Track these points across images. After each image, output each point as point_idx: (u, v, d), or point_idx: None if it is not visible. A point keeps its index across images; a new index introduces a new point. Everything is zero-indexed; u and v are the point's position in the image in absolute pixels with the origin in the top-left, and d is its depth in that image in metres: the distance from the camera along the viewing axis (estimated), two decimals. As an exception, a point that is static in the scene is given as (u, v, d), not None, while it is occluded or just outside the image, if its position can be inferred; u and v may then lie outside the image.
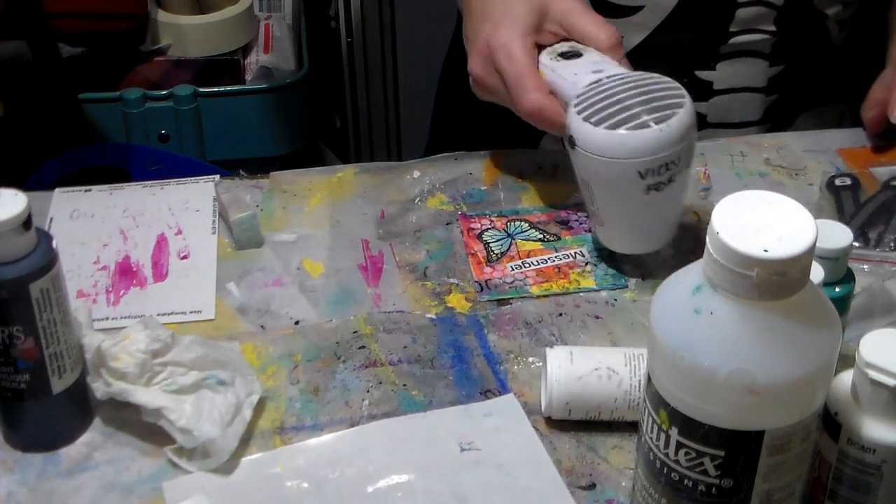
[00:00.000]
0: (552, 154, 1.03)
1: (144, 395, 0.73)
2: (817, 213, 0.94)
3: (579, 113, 0.83)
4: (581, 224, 0.95)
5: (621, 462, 0.74)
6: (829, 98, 1.16)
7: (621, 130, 0.81)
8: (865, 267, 0.89)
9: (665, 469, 0.61)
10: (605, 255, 0.91)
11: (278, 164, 1.57)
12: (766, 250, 0.54)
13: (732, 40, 1.06)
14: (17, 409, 0.74)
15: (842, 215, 0.94)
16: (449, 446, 0.75)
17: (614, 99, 0.83)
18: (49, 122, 1.47)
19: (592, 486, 0.73)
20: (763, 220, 0.56)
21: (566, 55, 0.89)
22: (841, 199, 0.96)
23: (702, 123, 1.09)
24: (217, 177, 0.99)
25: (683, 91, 0.84)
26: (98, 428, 0.76)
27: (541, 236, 0.93)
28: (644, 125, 0.81)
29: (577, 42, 0.91)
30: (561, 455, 0.74)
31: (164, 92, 1.56)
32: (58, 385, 0.73)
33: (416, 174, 1.00)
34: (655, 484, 0.62)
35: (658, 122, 0.81)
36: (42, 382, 0.72)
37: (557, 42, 0.91)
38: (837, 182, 0.97)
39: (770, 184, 0.99)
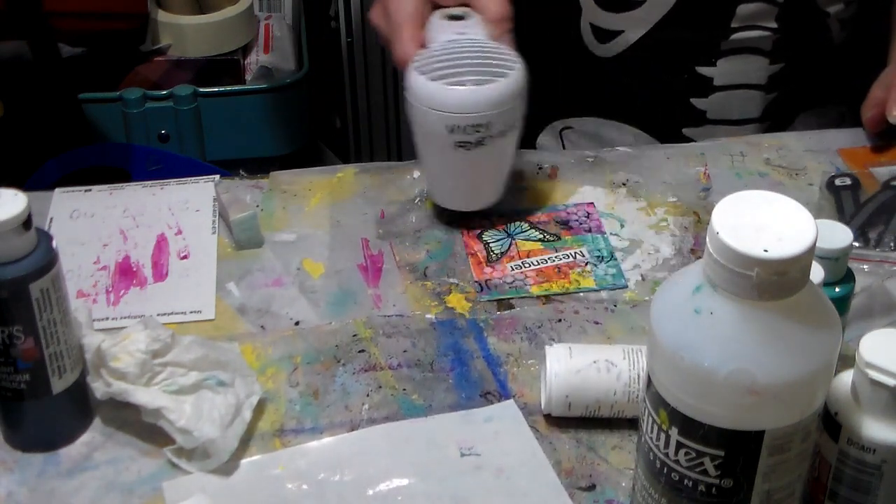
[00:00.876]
0: (552, 154, 1.03)
1: (144, 396, 0.73)
2: (817, 213, 0.94)
3: (415, 62, 0.88)
4: (581, 224, 0.95)
5: (621, 462, 0.74)
6: (830, 98, 1.16)
7: (438, 83, 0.86)
8: (865, 267, 0.89)
9: (665, 469, 0.61)
10: (605, 255, 0.91)
11: (278, 164, 1.57)
12: (766, 250, 0.54)
13: (733, 37, 1.06)
14: (17, 409, 0.74)
15: (842, 215, 0.94)
16: (449, 451, 0.75)
17: (451, 58, 0.88)
18: (49, 122, 1.47)
19: (592, 487, 0.73)
20: (763, 220, 0.56)
21: (453, 17, 0.93)
22: (841, 199, 0.96)
23: (701, 119, 1.10)
24: (217, 177, 0.99)
25: (518, 66, 0.88)
26: (98, 428, 0.76)
27: (541, 236, 0.93)
28: (460, 84, 0.86)
29: (472, 9, 0.93)
30: (561, 456, 0.74)
31: (164, 92, 1.56)
32: (58, 385, 0.73)
33: (416, 174, 1.00)
34: (655, 484, 0.62)
35: (475, 84, 0.86)
36: (42, 382, 0.72)
37: (458, 6, 0.94)
38: (837, 182, 0.97)
39: (770, 184, 0.99)
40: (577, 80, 1.12)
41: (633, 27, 1.06)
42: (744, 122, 1.11)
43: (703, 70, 1.08)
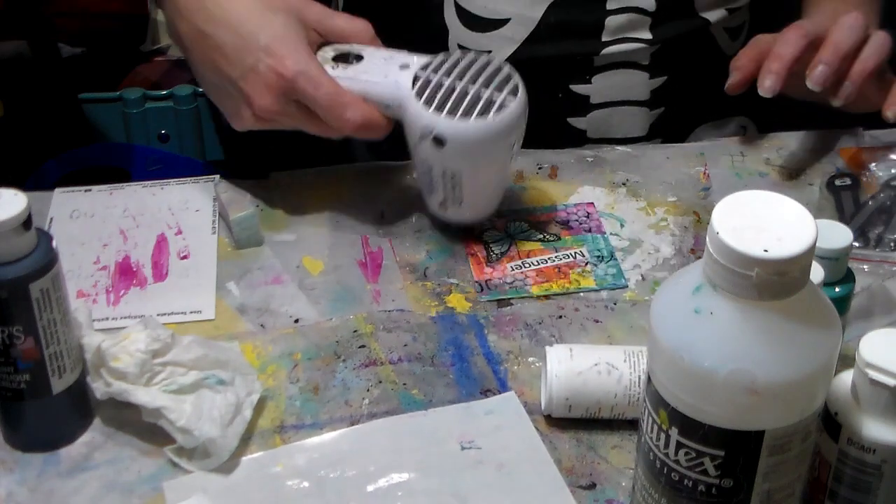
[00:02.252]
0: (552, 154, 1.03)
1: (144, 395, 0.73)
2: (817, 213, 0.94)
3: (438, 109, 0.84)
4: (581, 224, 0.94)
5: (621, 462, 0.74)
6: (729, 110, 1.13)
7: (491, 115, 0.84)
8: (865, 267, 0.89)
9: (665, 469, 0.61)
10: (605, 255, 0.91)
11: (278, 165, 1.57)
12: (766, 250, 0.54)
13: (605, 51, 1.03)
14: (17, 409, 0.74)
15: (842, 215, 0.94)
16: (449, 445, 0.75)
17: (457, 88, 0.85)
18: (49, 122, 1.47)
19: (592, 486, 0.73)
20: (763, 220, 0.56)
21: (344, 58, 0.88)
22: (841, 199, 0.96)
23: (581, 139, 1.07)
24: (217, 177, 0.99)
25: (500, 61, 0.87)
26: (98, 428, 0.76)
27: (541, 236, 0.93)
28: (504, 104, 0.84)
29: (337, 42, 0.89)
30: (561, 455, 0.74)
31: (164, 92, 1.55)
32: (58, 385, 0.73)
33: (416, 174, 1.00)
34: (655, 484, 0.62)
35: (513, 94, 0.85)
36: (42, 382, 0.72)
37: (319, 48, 0.89)
38: (837, 182, 0.97)
39: (770, 184, 0.99)
40: None
41: (500, 47, 1.02)
42: (629, 141, 1.07)
43: (578, 88, 1.04)
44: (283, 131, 0.89)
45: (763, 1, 1.12)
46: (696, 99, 1.09)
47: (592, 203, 0.97)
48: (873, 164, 1.00)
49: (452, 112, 0.84)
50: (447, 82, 0.85)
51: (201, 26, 0.87)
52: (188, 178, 1.00)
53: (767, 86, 0.93)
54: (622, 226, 0.95)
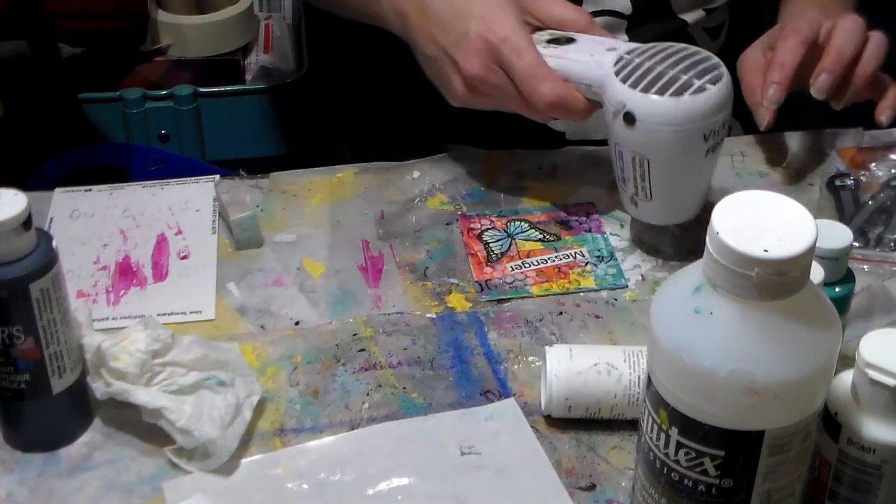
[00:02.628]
0: (552, 154, 1.03)
1: (144, 396, 0.73)
2: (817, 213, 0.94)
3: (633, 86, 0.83)
4: (581, 224, 0.95)
5: (621, 462, 0.74)
6: None
7: (686, 96, 0.82)
8: (865, 267, 0.89)
9: (665, 469, 0.61)
10: (605, 255, 0.91)
11: (278, 164, 1.57)
12: (766, 250, 0.54)
13: None
14: (17, 409, 0.74)
15: (842, 215, 0.94)
16: (449, 450, 0.75)
17: (657, 70, 0.83)
18: (49, 122, 1.47)
19: (592, 487, 0.73)
20: (763, 220, 0.56)
21: (558, 41, 0.89)
22: (841, 199, 0.96)
23: (560, 141, 1.07)
24: (217, 177, 0.99)
25: (709, 52, 0.85)
26: (98, 428, 0.76)
27: (541, 236, 0.93)
28: (702, 88, 0.82)
29: (554, 28, 0.90)
30: (561, 455, 0.74)
31: (164, 92, 1.56)
32: (58, 385, 0.73)
33: (416, 174, 1.00)
34: (655, 484, 0.62)
35: (712, 83, 0.83)
36: (42, 382, 0.72)
37: (535, 31, 0.90)
38: (837, 182, 0.97)
39: (770, 184, 0.99)
40: (442, 104, 0.98)
41: None
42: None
43: None
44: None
45: (742, 0, 1.12)
46: None
47: (592, 203, 0.97)
48: (873, 164, 1.00)
49: (647, 89, 0.83)
50: (649, 64, 0.84)
51: (424, 2, 0.90)
52: (188, 178, 1.00)
53: (771, 95, 0.93)
54: (622, 226, 0.95)
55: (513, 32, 0.86)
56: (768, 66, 0.94)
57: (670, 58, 0.85)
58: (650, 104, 0.82)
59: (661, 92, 0.82)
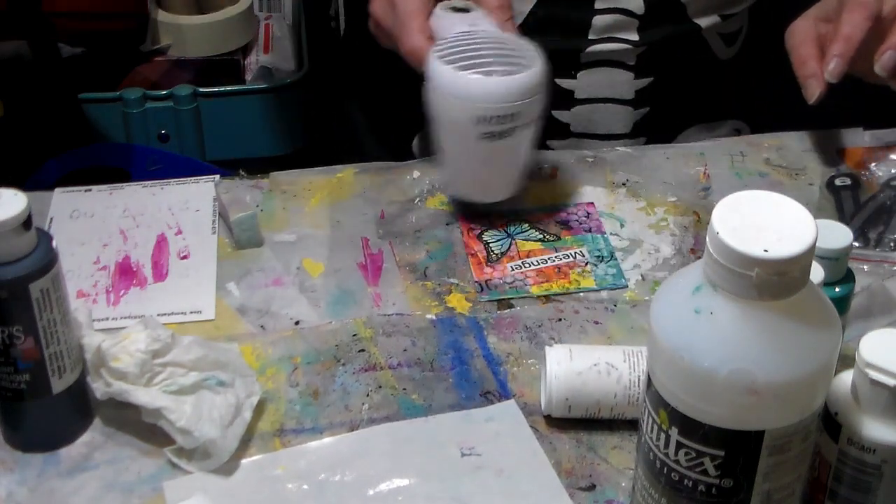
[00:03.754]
0: (552, 154, 1.03)
1: (144, 396, 0.73)
2: (817, 213, 0.94)
3: (435, 52, 0.87)
4: (581, 224, 0.95)
5: (621, 462, 0.74)
6: (722, 114, 1.13)
7: (468, 74, 0.86)
8: (865, 267, 0.89)
9: (665, 469, 0.61)
10: (605, 255, 0.91)
11: (278, 164, 1.58)
12: (766, 250, 0.54)
13: (591, 48, 1.03)
14: (17, 409, 0.74)
15: (842, 215, 0.94)
16: (449, 451, 0.75)
17: (472, 48, 0.87)
18: (49, 122, 1.47)
19: (592, 487, 0.73)
20: (763, 220, 0.56)
21: (456, 9, 0.92)
22: (841, 199, 0.96)
23: (565, 132, 1.07)
24: (217, 177, 0.99)
25: (538, 55, 0.88)
26: (98, 428, 0.76)
27: (541, 236, 0.93)
28: (490, 74, 0.86)
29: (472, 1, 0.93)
30: (561, 456, 0.74)
31: (164, 92, 1.56)
32: (58, 385, 0.73)
33: (416, 174, 1.00)
34: (655, 484, 0.62)
35: (504, 74, 0.86)
36: (42, 382, 0.72)
37: None
38: (837, 182, 0.97)
39: (770, 184, 0.99)
40: None
41: None
42: (612, 137, 1.07)
43: (564, 82, 1.05)
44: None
45: (763, 6, 1.11)
46: (684, 101, 1.09)
47: (592, 203, 0.97)
48: (873, 164, 1.00)
49: (442, 58, 0.87)
50: (475, 43, 0.88)
51: None
52: (188, 178, 1.00)
53: (832, 69, 0.91)
54: (622, 226, 0.95)
55: None
56: (829, 39, 0.93)
57: (497, 44, 0.88)
58: (438, 71, 0.87)
59: (450, 63, 0.86)
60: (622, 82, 1.05)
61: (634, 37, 1.03)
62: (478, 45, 0.87)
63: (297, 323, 0.85)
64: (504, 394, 0.79)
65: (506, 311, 0.86)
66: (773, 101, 0.95)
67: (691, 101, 1.08)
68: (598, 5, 1.02)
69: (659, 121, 1.08)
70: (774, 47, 1.00)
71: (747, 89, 1.13)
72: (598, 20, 1.02)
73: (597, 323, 0.85)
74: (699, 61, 1.08)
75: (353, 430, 0.76)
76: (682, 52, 1.06)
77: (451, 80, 0.86)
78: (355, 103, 1.18)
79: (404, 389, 0.79)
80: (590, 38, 1.03)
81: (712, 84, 1.08)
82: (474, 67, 0.86)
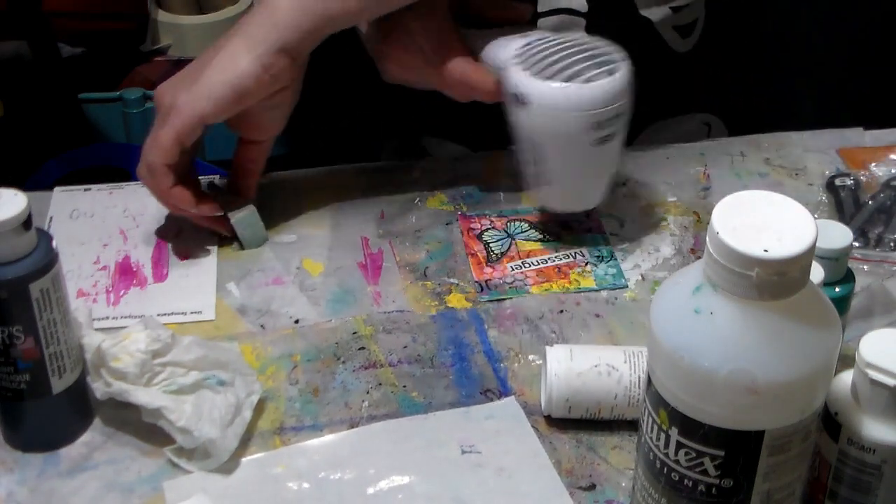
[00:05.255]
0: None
1: (144, 396, 0.73)
2: (817, 213, 0.94)
3: (526, 69, 0.85)
4: (581, 224, 0.94)
5: (621, 462, 0.74)
6: (687, 108, 1.11)
7: (575, 83, 0.84)
8: (865, 267, 0.89)
9: (665, 469, 0.61)
10: (605, 255, 0.91)
11: (278, 165, 1.57)
12: (766, 250, 0.54)
13: None
14: (17, 409, 0.74)
15: (842, 215, 0.94)
16: (450, 449, 0.75)
17: (556, 57, 0.85)
18: (49, 122, 1.47)
19: (592, 487, 0.73)
20: (763, 220, 0.56)
21: (481, 26, 0.91)
22: (841, 199, 0.96)
23: None
24: (217, 177, 0.99)
25: (614, 46, 0.87)
26: (98, 428, 0.76)
27: (541, 236, 0.93)
28: (595, 78, 0.84)
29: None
30: (561, 456, 0.74)
31: (164, 92, 1.55)
32: (58, 385, 0.73)
33: (416, 174, 1.00)
34: (655, 484, 0.62)
35: (608, 74, 0.84)
36: (42, 382, 0.72)
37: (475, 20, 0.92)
38: (837, 182, 0.97)
39: (770, 184, 0.99)
40: (412, 98, 1.00)
41: None
42: None
43: None
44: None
45: None
46: (644, 97, 1.08)
47: (592, 203, 0.97)
48: (873, 164, 1.00)
49: (538, 73, 0.84)
50: (550, 51, 0.86)
51: None
52: (188, 178, 1.00)
53: None
54: (622, 226, 0.95)
55: (430, 14, 0.88)
56: None
57: (572, 48, 0.86)
58: (541, 89, 0.84)
59: (551, 77, 0.84)
60: None
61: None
62: (557, 53, 0.85)
63: (296, 322, 0.85)
64: (504, 392, 0.79)
65: (506, 301, 0.86)
66: (745, 93, 0.94)
67: (651, 97, 1.07)
68: (540, 8, 1.01)
69: None
70: (736, 37, 0.99)
71: (714, 82, 1.11)
72: (543, 23, 1.01)
73: (598, 316, 0.85)
74: (654, 56, 1.06)
75: (353, 428, 0.76)
76: (635, 47, 1.05)
77: (560, 95, 0.84)
78: (355, 103, 1.18)
79: (404, 387, 0.79)
80: None
81: (671, 78, 1.07)
82: (576, 76, 0.84)
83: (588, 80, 0.84)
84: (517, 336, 0.83)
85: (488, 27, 0.90)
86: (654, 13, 1.04)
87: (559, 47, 0.86)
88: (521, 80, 0.85)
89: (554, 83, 0.84)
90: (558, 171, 0.88)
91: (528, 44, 0.87)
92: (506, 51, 0.88)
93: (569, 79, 0.84)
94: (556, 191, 0.91)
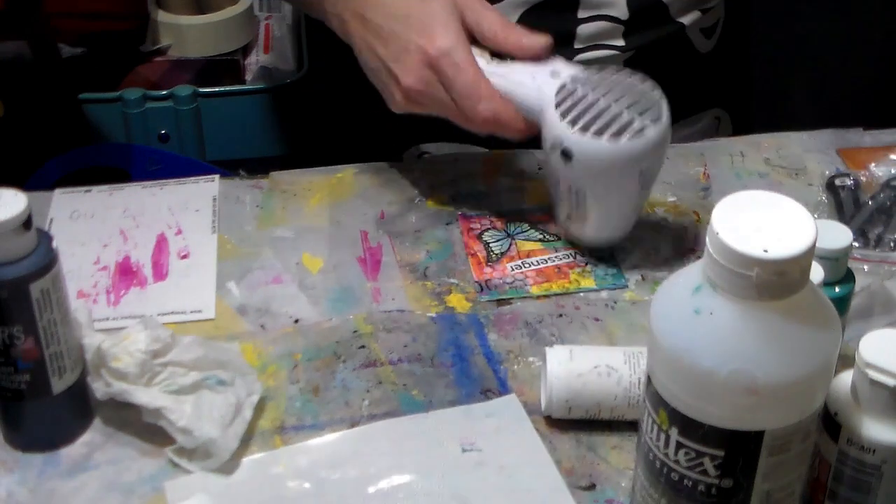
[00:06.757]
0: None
1: (144, 396, 0.73)
2: (817, 214, 0.94)
3: (568, 121, 0.82)
4: (581, 224, 0.94)
5: (621, 462, 0.74)
6: (703, 105, 1.12)
7: (624, 140, 0.81)
8: (865, 267, 0.89)
9: (665, 469, 0.61)
10: (605, 255, 0.91)
11: (278, 164, 1.58)
12: (766, 250, 0.54)
13: (578, 57, 1.02)
14: (17, 409, 0.74)
15: (842, 215, 0.94)
16: (450, 447, 0.75)
17: (598, 106, 0.82)
18: (49, 122, 1.47)
19: (592, 487, 0.73)
20: (763, 220, 0.56)
21: (501, 56, 0.87)
22: (841, 199, 0.96)
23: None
24: (217, 177, 0.99)
25: (652, 81, 0.85)
26: (98, 428, 0.76)
27: (541, 236, 0.93)
28: (641, 130, 0.81)
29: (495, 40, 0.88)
30: (561, 455, 0.75)
31: (164, 92, 1.56)
32: (58, 385, 0.73)
33: (416, 174, 1.00)
34: (655, 484, 0.62)
35: (652, 121, 0.82)
36: (42, 382, 0.72)
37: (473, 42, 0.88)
38: (837, 182, 0.97)
39: (770, 184, 0.99)
40: None
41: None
42: None
43: None
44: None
45: None
46: (670, 100, 1.08)
47: (592, 203, 0.97)
48: (873, 164, 1.00)
49: (585, 129, 0.81)
50: (590, 97, 0.83)
51: (362, 12, 0.89)
52: (188, 178, 1.00)
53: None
54: (622, 226, 0.95)
55: (453, 46, 0.84)
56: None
57: (612, 90, 0.83)
58: (588, 146, 0.81)
59: (599, 133, 0.81)
60: None
61: (620, 42, 1.03)
62: (597, 100, 0.82)
63: (296, 321, 0.85)
64: (504, 392, 0.79)
65: (506, 306, 0.86)
66: (749, 85, 0.94)
67: (675, 98, 1.08)
68: (581, 14, 1.01)
69: None
70: (747, 34, 0.99)
71: (724, 77, 1.12)
72: (583, 29, 1.02)
73: (597, 320, 0.85)
74: (682, 58, 1.08)
75: (353, 427, 0.76)
76: (667, 52, 1.06)
77: (607, 152, 0.81)
78: (355, 103, 1.18)
79: (404, 385, 0.79)
80: (575, 47, 1.02)
81: (694, 78, 1.07)
82: (623, 130, 0.81)
83: (636, 134, 0.81)
84: (516, 339, 0.83)
85: (500, 57, 0.87)
86: (687, 17, 1.05)
87: (598, 90, 0.83)
88: (567, 136, 0.82)
89: (603, 140, 0.81)
90: (597, 211, 0.87)
91: (562, 86, 0.84)
92: (538, 93, 0.84)
93: (617, 133, 0.81)
94: (593, 227, 0.89)
